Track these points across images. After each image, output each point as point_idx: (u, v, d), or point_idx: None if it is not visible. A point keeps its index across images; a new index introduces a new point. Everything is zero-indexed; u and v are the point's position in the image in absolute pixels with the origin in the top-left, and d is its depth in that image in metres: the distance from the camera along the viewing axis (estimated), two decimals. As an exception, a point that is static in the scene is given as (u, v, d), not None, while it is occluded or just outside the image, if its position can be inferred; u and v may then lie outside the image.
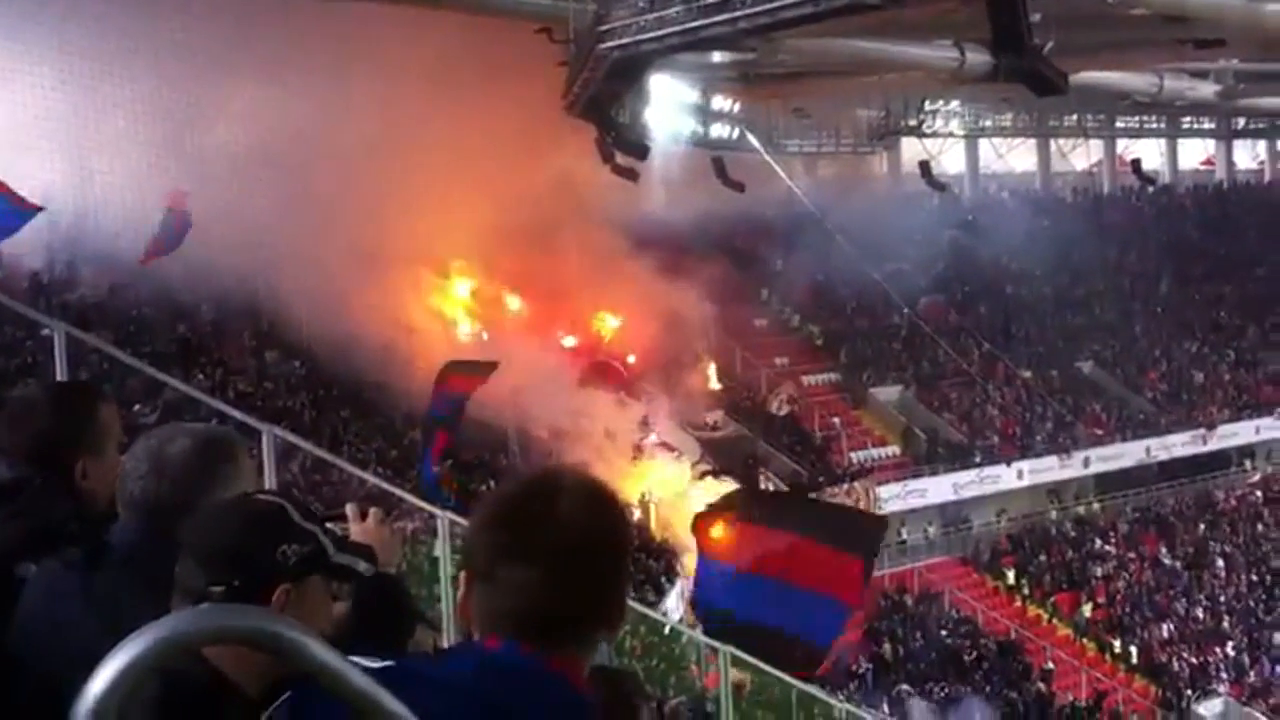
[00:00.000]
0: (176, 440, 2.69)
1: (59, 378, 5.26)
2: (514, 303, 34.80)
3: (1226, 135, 51.49)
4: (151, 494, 2.63)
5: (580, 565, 1.90)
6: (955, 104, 40.23)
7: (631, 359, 35.19)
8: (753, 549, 10.11)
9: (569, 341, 34.38)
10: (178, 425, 2.86)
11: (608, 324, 35.85)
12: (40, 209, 19.44)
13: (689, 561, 28.55)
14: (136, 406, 18.96)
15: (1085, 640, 34.96)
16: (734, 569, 10.14)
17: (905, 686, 30.04)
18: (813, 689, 10.22)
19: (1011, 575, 36.42)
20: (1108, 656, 34.62)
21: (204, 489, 2.63)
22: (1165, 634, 35.75)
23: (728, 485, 31.27)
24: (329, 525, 2.50)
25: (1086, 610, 35.70)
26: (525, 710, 1.84)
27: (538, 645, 1.87)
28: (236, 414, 6.10)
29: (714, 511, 10.92)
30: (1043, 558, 37.42)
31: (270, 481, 5.35)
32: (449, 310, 33.32)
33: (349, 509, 3.09)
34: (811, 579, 9.94)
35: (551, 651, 1.88)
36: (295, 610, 2.24)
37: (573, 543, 1.89)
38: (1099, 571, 37.52)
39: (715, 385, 36.81)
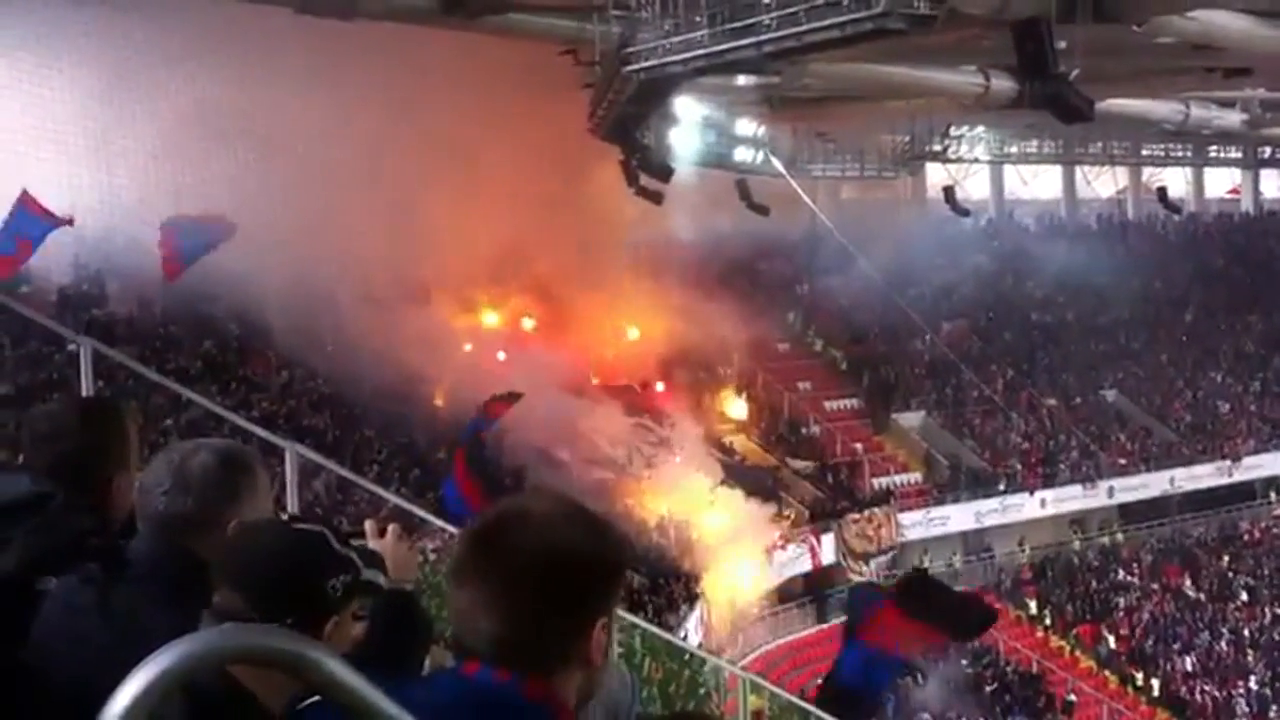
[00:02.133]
0: (199, 455, 2.69)
1: (85, 393, 5.28)
2: (535, 324, 34.86)
3: (1253, 164, 51.24)
4: (176, 509, 2.63)
5: (524, 589, 1.85)
6: (980, 130, 40.17)
7: (655, 382, 35.19)
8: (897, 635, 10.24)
9: (593, 365, 34.35)
10: (197, 440, 2.87)
11: (630, 346, 35.85)
12: (68, 222, 19.54)
13: (709, 584, 28.54)
14: (168, 422, 19.10)
15: (1108, 672, 34.65)
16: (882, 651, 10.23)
17: (925, 716, 29.86)
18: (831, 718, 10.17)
19: (1034, 605, 36.16)
20: (1130, 689, 34.30)
21: (225, 504, 2.64)
22: (1188, 667, 35.41)
23: (749, 507, 31.24)
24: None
25: (1109, 642, 35.41)
26: None
27: (513, 671, 1.85)
28: (260, 431, 6.12)
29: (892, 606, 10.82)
30: (1066, 588, 37.15)
31: (293, 498, 5.36)
32: (470, 330, 33.38)
33: (368, 526, 3.11)
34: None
35: (527, 678, 1.85)
36: (334, 635, 2.25)
37: (519, 566, 1.86)
38: (1122, 603, 37.22)
39: (739, 409, 36.77)
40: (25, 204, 18.68)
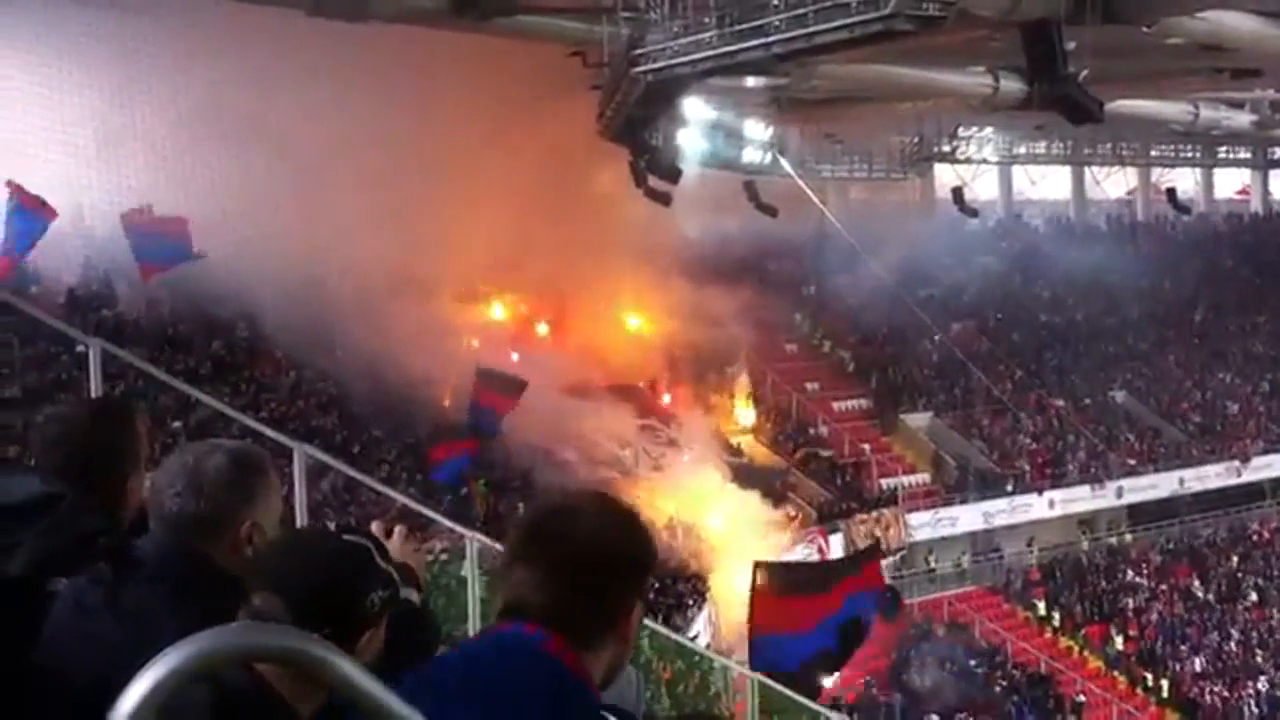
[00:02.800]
0: (213, 456, 2.70)
1: (94, 393, 5.29)
2: (544, 324, 34.88)
3: (1262, 165, 51.16)
4: (190, 510, 2.64)
5: (575, 572, 2.09)
6: (989, 130, 40.13)
7: (662, 383, 35.18)
8: (785, 616, 12.05)
9: (601, 365, 34.32)
10: (211, 441, 2.87)
11: (638, 347, 35.83)
12: (53, 215, 19.72)
13: (717, 585, 28.53)
14: (177, 423, 19.14)
15: (1117, 673, 34.57)
16: (784, 636, 11.91)
17: (934, 716, 29.83)
18: (840, 718, 10.22)
19: (1042, 606, 36.09)
20: (1139, 690, 34.22)
21: (239, 506, 2.66)
22: (1197, 668, 35.32)
23: (758, 508, 31.24)
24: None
25: (1118, 642, 35.33)
26: (514, 677, 2.03)
27: (541, 628, 2.06)
28: (269, 431, 6.13)
29: (758, 593, 13.19)
30: (1074, 589, 37.08)
31: (301, 499, 5.36)
32: (478, 331, 33.40)
33: (375, 527, 3.11)
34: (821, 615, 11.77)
35: (554, 637, 2.05)
36: (367, 646, 2.27)
37: (566, 555, 2.10)
38: (1131, 603, 37.13)
39: (746, 409, 36.74)
40: (16, 194, 18.79)
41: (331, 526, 2.95)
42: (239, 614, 2.24)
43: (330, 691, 1.51)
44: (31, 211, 20.29)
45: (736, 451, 34.60)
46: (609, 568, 2.12)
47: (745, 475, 32.75)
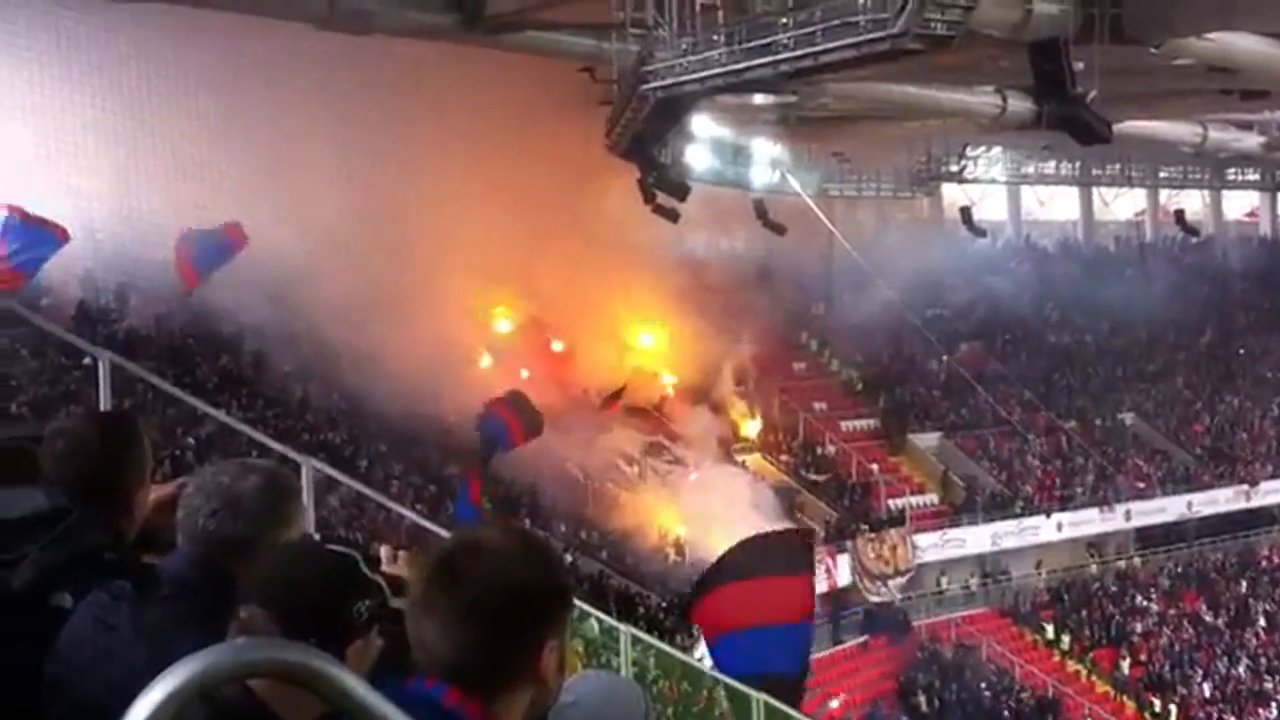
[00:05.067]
0: (249, 478, 2.71)
1: (103, 406, 5.29)
2: (553, 341, 34.89)
3: (1271, 188, 51.10)
4: (229, 532, 2.65)
5: (474, 618, 1.97)
6: (997, 150, 40.14)
7: (670, 402, 35.14)
8: (720, 611, 11.22)
9: (608, 383, 34.32)
10: (241, 461, 2.88)
11: (646, 365, 35.82)
12: (67, 238, 19.61)
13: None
14: (191, 439, 19.14)
15: (1125, 698, 34.39)
16: (714, 636, 11.29)
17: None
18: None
19: (1050, 629, 35.94)
20: (1147, 715, 34.03)
21: (274, 528, 2.67)
22: (1206, 693, 35.13)
23: (765, 528, 31.11)
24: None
25: (1126, 667, 35.16)
26: None
27: (461, 692, 1.96)
28: (276, 446, 6.12)
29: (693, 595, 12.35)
30: (1082, 612, 36.92)
31: (309, 514, 5.35)
32: (489, 347, 33.43)
33: (382, 551, 3.10)
34: (764, 615, 10.87)
35: (454, 690, 1.96)
36: (357, 658, 2.25)
37: (469, 597, 1.97)
38: (1139, 628, 36.96)
39: (754, 428, 36.69)
40: (22, 218, 18.71)
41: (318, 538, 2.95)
42: (229, 627, 2.23)
43: (329, 705, 1.48)
44: (38, 228, 20.22)
45: (743, 469, 34.51)
46: (512, 610, 1.99)
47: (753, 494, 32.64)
